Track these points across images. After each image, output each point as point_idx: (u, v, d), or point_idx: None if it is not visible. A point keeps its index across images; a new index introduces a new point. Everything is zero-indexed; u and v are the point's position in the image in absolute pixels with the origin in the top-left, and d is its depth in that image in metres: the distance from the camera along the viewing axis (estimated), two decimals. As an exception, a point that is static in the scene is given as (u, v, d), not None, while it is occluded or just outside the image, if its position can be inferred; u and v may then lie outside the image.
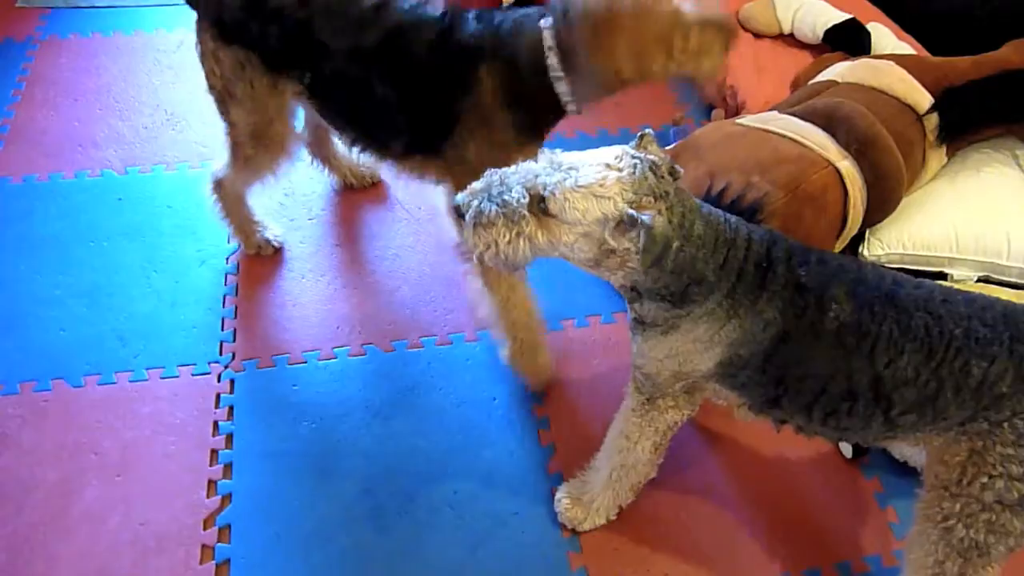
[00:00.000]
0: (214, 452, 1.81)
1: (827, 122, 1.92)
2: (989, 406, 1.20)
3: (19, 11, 2.94)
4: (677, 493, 1.76)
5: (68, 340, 1.99)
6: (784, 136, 1.89)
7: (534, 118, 1.64)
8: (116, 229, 2.25)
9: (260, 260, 2.19)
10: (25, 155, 2.43)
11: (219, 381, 1.94)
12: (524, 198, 1.20)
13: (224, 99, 1.81)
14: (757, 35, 2.66)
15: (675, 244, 1.20)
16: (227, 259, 2.20)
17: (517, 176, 1.22)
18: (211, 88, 1.82)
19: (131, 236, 2.23)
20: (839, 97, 2.01)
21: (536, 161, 1.25)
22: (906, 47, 2.49)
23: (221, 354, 1.99)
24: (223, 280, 2.15)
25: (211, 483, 1.76)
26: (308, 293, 2.14)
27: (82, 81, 2.70)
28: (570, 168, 1.20)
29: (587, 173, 1.19)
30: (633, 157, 1.21)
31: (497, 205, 1.20)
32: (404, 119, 1.70)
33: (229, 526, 1.70)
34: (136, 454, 1.80)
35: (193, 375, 1.94)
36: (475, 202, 1.22)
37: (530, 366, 1.88)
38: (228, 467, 1.79)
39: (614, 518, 1.68)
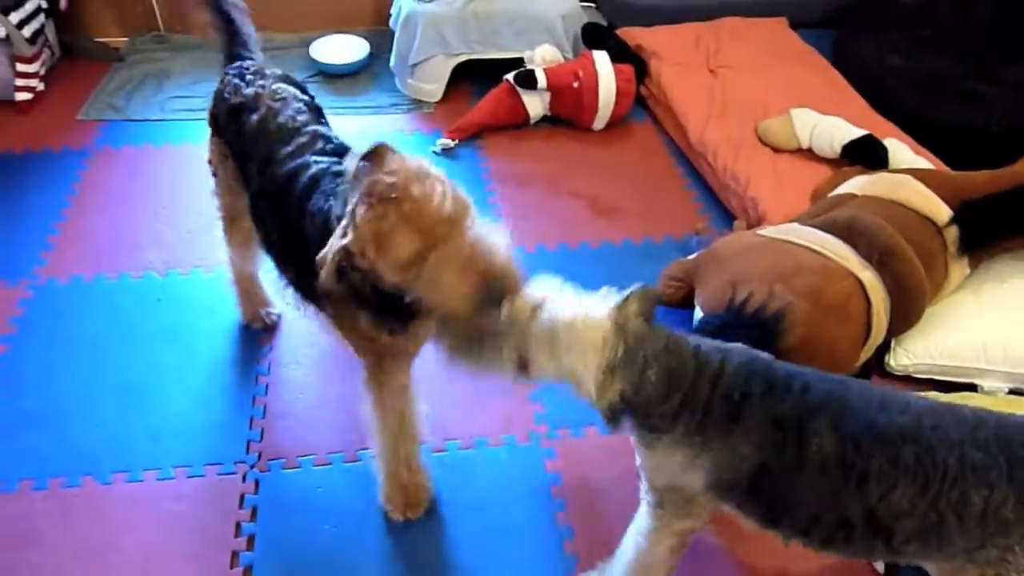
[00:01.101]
0: (235, 554, 1.80)
1: (847, 233, 1.96)
2: (995, 532, 1.16)
3: (79, 123, 3.15)
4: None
5: (100, 437, 2.03)
6: (805, 247, 1.93)
7: (379, 304, 1.50)
8: (154, 329, 2.32)
9: (292, 362, 2.24)
10: (74, 257, 2.55)
11: (244, 481, 1.94)
12: (511, 357, 1.33)
13: (215, 176, 2.02)
14: (776, 149, 2.76)
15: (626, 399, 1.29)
16: (259, 360, 2.25)
17: (509, 335, 1.32)
18: (209, 164, 2.01)
19: (168, 336, 2.30)
20: (858, 209, 2.06)
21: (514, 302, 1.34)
22: (923, 161, 2.56)
23: (248, 453, 2.00)
24: (254, 380, 2.19)
25: (231, 586, 1.75)
26: (336, 394, 2.16)
27: (131, 188, 2.85)
28: (563, 328, 1.30)
29: (581, 335, 1.29)
30: (617, 324, 1.29)
31: (481, 356, 1.34)
32: (291, 260, 1.73)
33: (246, 632, 1.68)
34: (159, 554, 1.79)
35: (219, 475, 1.96)
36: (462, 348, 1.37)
37: (397, 498, 1.85)
38: (248, 570, 1.77)
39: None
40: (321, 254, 1.36)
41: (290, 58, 3.59)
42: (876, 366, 2.11)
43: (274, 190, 1.66)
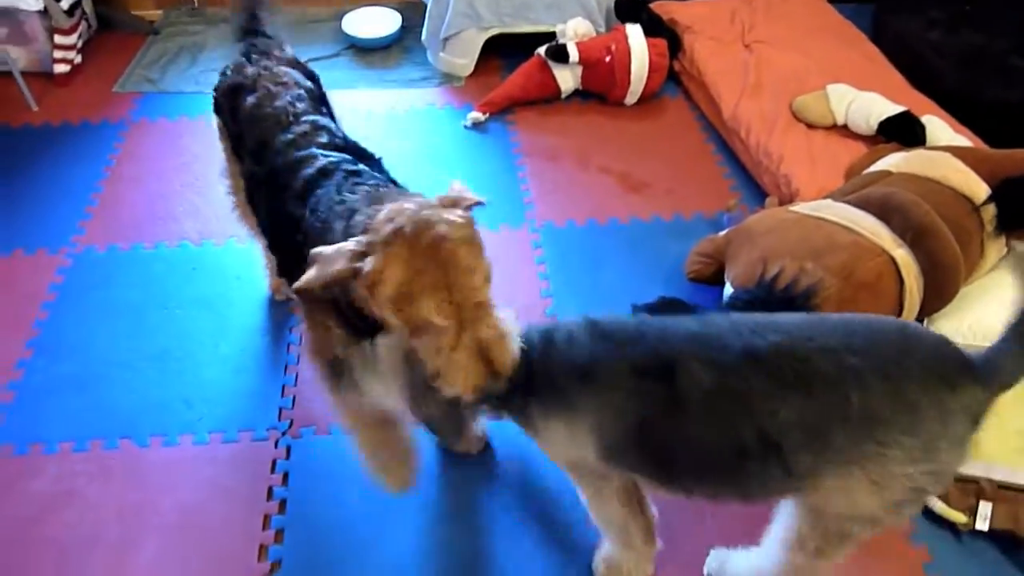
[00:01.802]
0: (267, 517, 1.85)
1: (881, 211, 1.94)
2: (874, 429, 1.18)
3: (115, 96, 3.20)
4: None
5: (137, 401, 2.08)
6: (837, 224, 1.91)
7: (352, 316, 1.39)
8: (189, 297, 2.37)
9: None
10: (111, 226, 2.60)
11: (276, 447, 1.99)
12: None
13: (224, 156, 2.02)
14: (810, 126, 2.72)
15: None
16: (290, 328, 2.28)
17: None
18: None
19: (202, 304, 2.35)
20: (893, 187, 2.03)
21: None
22: (962, 139, 2.50)
23: (280, 420, 2.05)
24: (285, 348, 2.23)
25: (263, 548, 1.79)
26: (365, 364, 2.20)
27: (167, 160, 2.89)
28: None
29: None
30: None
31: None
32: (279, 247, 1.68)
33: (278, 592, 1.72)
34: (194, 516, 1.84)
35: (252, 440, 2.00)
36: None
37: (389, 477, 1.73)
38: (280, 533, 1.82)
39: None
40: (320, 251, 1.21)
41: (323, 31, 3.60)
42: (907, 345, 2.08)
43: (269, 177, 1.60)
